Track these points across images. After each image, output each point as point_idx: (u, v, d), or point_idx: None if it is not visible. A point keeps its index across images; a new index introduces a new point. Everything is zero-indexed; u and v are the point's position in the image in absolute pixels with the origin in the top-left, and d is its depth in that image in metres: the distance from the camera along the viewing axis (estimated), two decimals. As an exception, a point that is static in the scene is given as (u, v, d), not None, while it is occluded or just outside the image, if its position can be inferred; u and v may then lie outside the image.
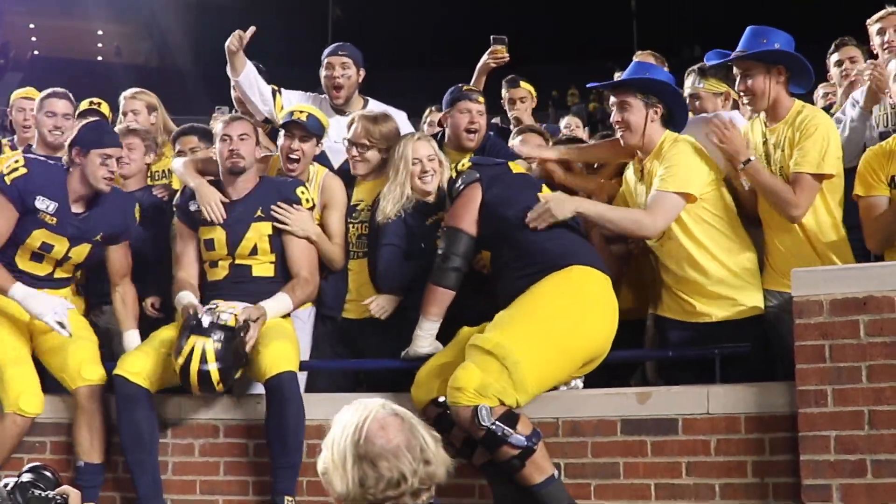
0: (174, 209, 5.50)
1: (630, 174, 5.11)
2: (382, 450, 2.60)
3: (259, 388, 5.05)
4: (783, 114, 4.79)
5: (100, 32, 40.56)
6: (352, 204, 5.53)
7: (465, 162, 5.10)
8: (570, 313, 4.52)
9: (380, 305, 5.31)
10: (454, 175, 5.08)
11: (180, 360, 4.81)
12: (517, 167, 5.17)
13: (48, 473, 2.98)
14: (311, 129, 5.47)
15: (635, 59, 5.88)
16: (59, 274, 5.34)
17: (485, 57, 6.19)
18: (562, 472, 4.62)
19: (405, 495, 2.62)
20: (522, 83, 7.13)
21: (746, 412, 4.45)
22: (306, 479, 4.96)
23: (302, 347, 5.31)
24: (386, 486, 2.58)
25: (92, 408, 5.13)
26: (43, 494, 2.84)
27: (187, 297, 5.16)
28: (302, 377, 5.23)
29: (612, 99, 5.05)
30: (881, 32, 5.75)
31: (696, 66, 5.49)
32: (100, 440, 5.15)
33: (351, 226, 5.48)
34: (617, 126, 5.00)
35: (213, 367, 4.80)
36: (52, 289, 5.26)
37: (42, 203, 5.16)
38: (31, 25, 38.93)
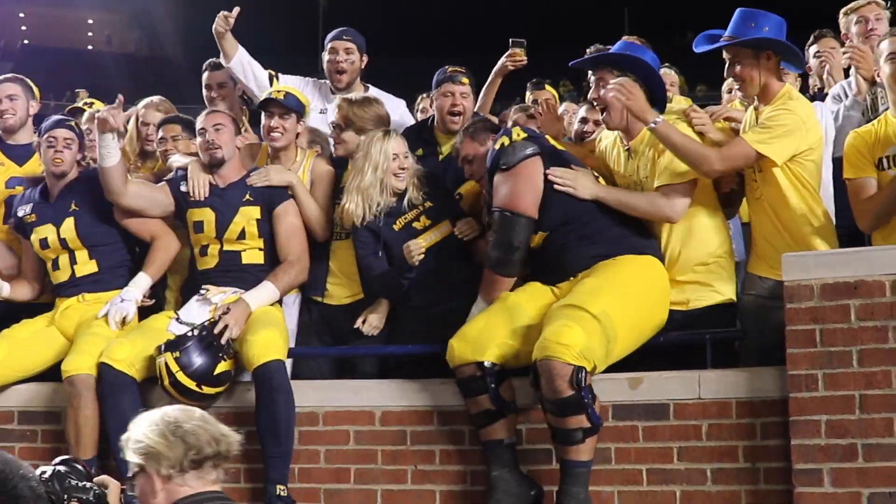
0: (167, 182, 5.51)
1: (612, 150, 5.07)
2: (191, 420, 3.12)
3: (249, 375, 5.04)
4: (771, 97, 4.76)
5: (90, 21, 40.44)
6: (340, 185, 5.49)
7: (520, 131, 4.85)
8: (649, 301, 4.62)
9: (372, 325, 5.30)
10: (500, 146, 4.81)
11: (161, 384, 4.95)
12: (556, 143, 5.07)
13: (79, 466, 2.96)
14: (289, 106, 5.50)
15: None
16: (79, 271, 5.42)
17: (502, 60, 6.17)
18: (553, 458, 4.63)
19: (220, 455, 3.14)
20: (547, 86, 7.04)
21: (737, 397, 4.46)
22: (298, 467, 4.98)
23: (288, 333, 5.31)
24: (206, 444, 3.09)
25: (74, 401, 5.07)
26: (80, 484, 2.84)
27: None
28: (287, 363, 5.24)
29: (591, 76, 5.02)
30: (861, 21, 5.69)
31: None
32: (86, 434, 5.07)
33: (337, 206, 5.45)
34: (596, 104, 4.97)
35: (180, 376, 4.89)
36: (89, 293, 5.43)
37: (22, 211, 5.50)
38: (21, 14, 38.77)
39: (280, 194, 5.35)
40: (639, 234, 4.82)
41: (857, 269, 4.17)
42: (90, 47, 39.89)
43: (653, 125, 4.67)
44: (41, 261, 5.57)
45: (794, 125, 4.63)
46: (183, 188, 5.40)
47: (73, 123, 5.56)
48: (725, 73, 4.90)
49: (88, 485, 2.87)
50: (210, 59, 6.53)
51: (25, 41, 38.43)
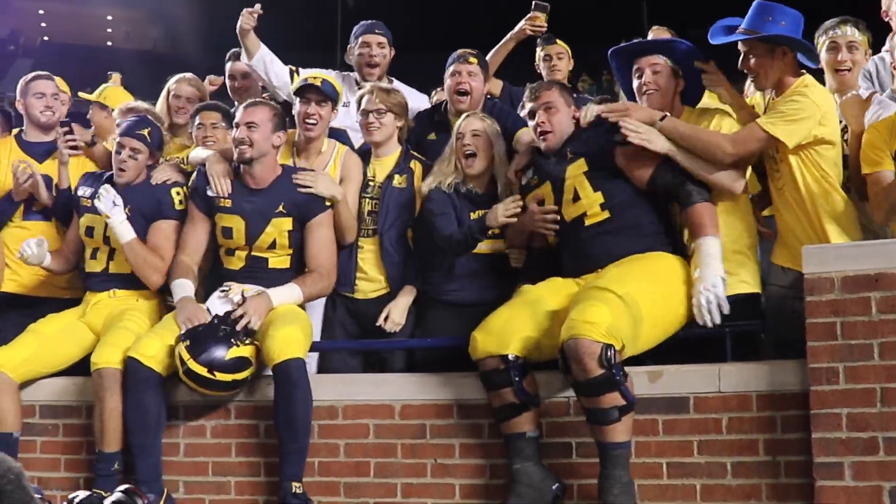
0: (189, 192, 5.45)
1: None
2: None
3: (270, 370, 5.04)
4: (786, 89, 4.73)
5: (109, 18, 40.48)
6: (366, 180, 5.54)
7: None
8: (674, 294, 4.59)
9: (394, 322, 5.31)
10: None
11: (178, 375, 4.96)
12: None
13: (137, 500, 2.79)
14: (327, 93, 5.46)
15: (651, 33, 5.87)
16: (113, 268, 5.44)
17: (521, 23, 6.12)
18: (573, 452, 4.63)
19: None
20: (559, 41, 6.93)
21: (758, 390, 4.45)
22: (318, 460, 4.99)
23: (314, 326, 5.33)
24: None
25: (101, 394, 5.07)
26: None
27: (182, 290, 5.21)
28: (314, 357, 5.26)
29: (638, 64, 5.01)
30: None
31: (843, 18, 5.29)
32: (111, 428, 5.06)
33: (363, 201, 5.48)
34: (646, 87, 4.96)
35: (191, 363, 4.87)
36: (120, 289, 5.46)
37: (82, 190, 5.54)
38: (41, 11, 38.87)
39: (316, 207, 5.26)
40: (670, 233, 4.82)
41: (877, 262, 4.15)
42: (109, 44, 39.97)
43: (659, 122, 4.71)
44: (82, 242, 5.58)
45: (808, 111, 4.61)
46: (210, 193, 5.30)
47: (145, 132, 5.48)
48: (739, 65, 4.87)
49: None
50: (232, 50, 6.53)
51: (45, 38, 38.54)
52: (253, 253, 5.30)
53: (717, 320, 4.47)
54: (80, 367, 5.34)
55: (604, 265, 4.69)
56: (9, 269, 5.76)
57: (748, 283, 4.81)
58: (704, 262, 4.56)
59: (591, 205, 4.80)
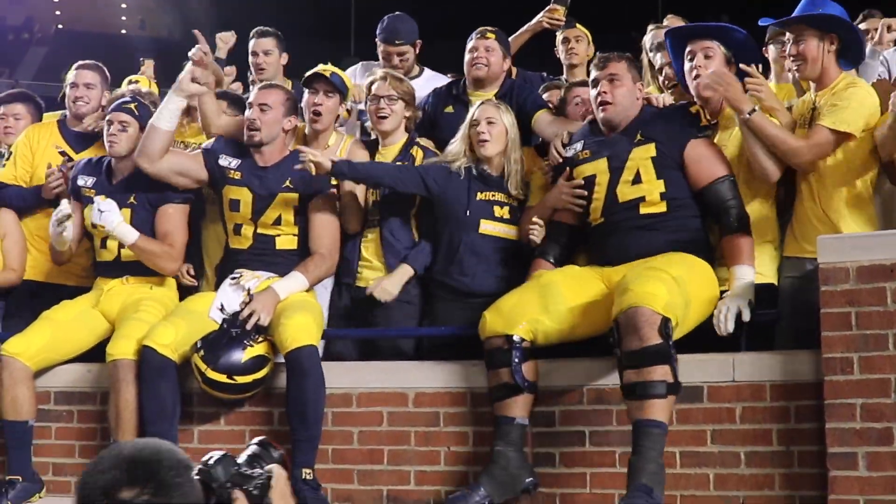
0: (203, 150, 5.44)
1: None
2: None
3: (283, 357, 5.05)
4: (828, 83, 4.73)
5: (123, 5, 40.49)
6: None
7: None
8: (707, 290, 4.59)
9: (385, 290, 5.27)
10: (696, 112, 4.94)
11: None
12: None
13: (272, 451, 2.74)
14: (335, 84, 5.47)
15: (666, 21, 5.85)
16: (125, 255, 5.41)
17: (539, 15, 6.08)
18: (587, 440, 4.64)
19: None
20: (578, 25, 6.81)
21: (772, 380, 4.44)
22: (331, 447, 5.00)
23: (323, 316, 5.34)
24: None
25: (116, 384, 5.07)
26: (248, 472, 2.63)
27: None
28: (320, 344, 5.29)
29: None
30: None
31: None
32: (126, 418, 5.04)
33: (367, 191, 5.48)
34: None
35: (209, 373, 4.92)
36: (133, 276, 5.45)
37: (82, 180, 5.51)
38: (55, -1, 38.95)
39: (321, 185, 5.29)
40: (707, 246, 4.80)
41: (893, 252, 4.13)
42: (123, 31, 39.97)
43: (747, 116, 4.66)
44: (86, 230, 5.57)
45: (864, 101, 4.64)
46: (222, 162, 5.32)
47: (132, 106, 5.48)
48: (787, 52, 4.85)
49: (257, 471, 2.64)
50: (258, 27, 6.55)
51: (59, 25, 38.58)
52: (259, 230, 5.30)
53: (731, 330, 4.46)
54: (95, 354, 5.36)
55: (643, 257, 4.65)
56: (30, 256, 5.83)
57: (764, 274, 4.78)
58: (737, 285, 4.57)
59: (652, 191, 4.74)
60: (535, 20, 6.18)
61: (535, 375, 4.65)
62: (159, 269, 5.38)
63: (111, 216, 5.18)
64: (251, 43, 6.61)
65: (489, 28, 5.81)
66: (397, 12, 6.43)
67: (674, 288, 4.31)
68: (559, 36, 6.75)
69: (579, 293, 4.66)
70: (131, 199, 5.37)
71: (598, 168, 4.86)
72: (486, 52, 5.70)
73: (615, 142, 4.86)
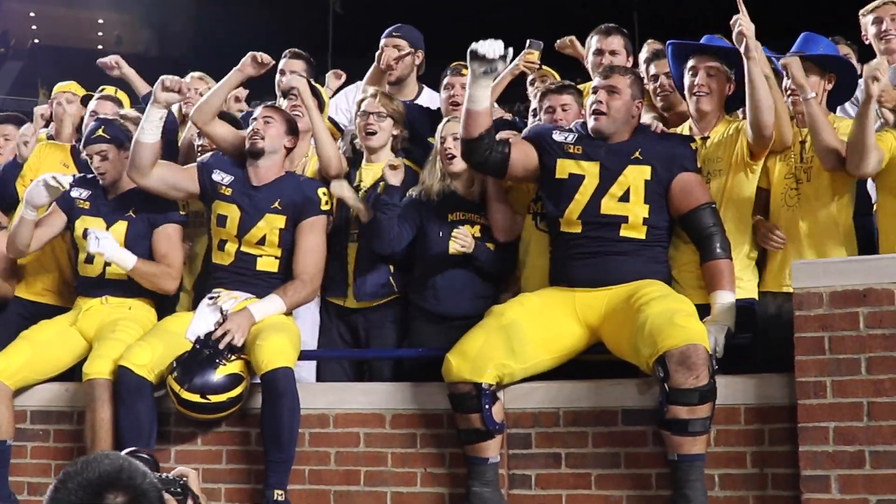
0: (198, 167, 5.47)
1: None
2: None
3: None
4: None
5: (100, 21, 40.45)
6: (354, 185, 5.56)
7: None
8: None
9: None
10: (694, 146, 4.94)
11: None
12: None
13: (146, 456, 2.82)
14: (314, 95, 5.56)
15: (646, 47, 5.89)
16: (111, 273, 5.42)
17: (517, 59, 6.12)
18: (562, 463, 4.65)
19: None
20: (544, 66, 6.60)
21: (746, 403, 4.48)
22: (308, 468, 5.01)
23: (308, 334, 5.39)
24: None
25: (91, 404, 5.07)
26: (166, 476, 2.71)
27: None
28: (311, 365, 5.28)
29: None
30: (877, 22, 5.65)
31: None
32: (102, 437, 5.04)
33: (350, 208, 5.50)
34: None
35: (183, 394, 4.93)
36: (112, 296, 5.46)
37: (76, 192, 5.54)
38: (32, 14, 38.81)
39: (311, 209, 5.30)
40: (670, 272, 4.86)
41: (866, 277, 4.19)
42: (100, 47, 39.89)
43: (802, 100, 4.75)
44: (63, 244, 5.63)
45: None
46: (215, 177, 5.36)
47: (100, 132, 5.47)
48: (786, 85, 4.92)
49: (172, 476, 2.73)
50: (290, 49, 6.63)
51: (36, 40, 38.49)
52: (242, 248, 5.32)
53: (720, 356, 4.48)
54: (71, 373, 5.35)
55: (619, 283, 4.67)
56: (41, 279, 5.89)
57: (743, 288, 4.85)
58: (717, 311, 4.61)
59: (637, 214, 4.74)
60: (512, 65, 6.22)
61: (503, 415, 4.68)
62: (159, 289, 5.40)
63: (108, 243, 5.21)
64: (282, 62, 6.63)
65: (464, 64, 5.83)
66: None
67: (699, 327, 4.38)
68: (594, 44, 6.77)
69: (543, 328, 4.68)
70: (129, 213, 5.42)
71: (588, 171, 4.82)
72: (462, 89, 5.65)
73: (612, 151, 4.84)
